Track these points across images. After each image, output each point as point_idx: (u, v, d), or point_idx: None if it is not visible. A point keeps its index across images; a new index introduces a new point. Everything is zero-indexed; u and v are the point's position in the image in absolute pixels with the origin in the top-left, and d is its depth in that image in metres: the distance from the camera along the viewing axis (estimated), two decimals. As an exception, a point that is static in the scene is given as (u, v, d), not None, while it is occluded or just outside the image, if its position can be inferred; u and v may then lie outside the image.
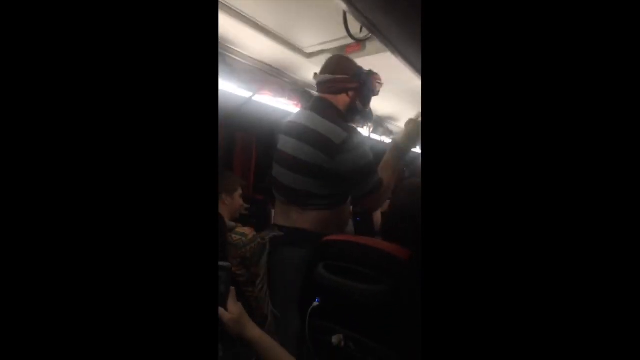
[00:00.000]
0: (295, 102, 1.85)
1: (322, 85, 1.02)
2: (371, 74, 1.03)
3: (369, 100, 1.04)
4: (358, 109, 1.01)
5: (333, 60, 1.07)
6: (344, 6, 0.77)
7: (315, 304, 0.74)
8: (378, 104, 2.33)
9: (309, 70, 1.72)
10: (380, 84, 1.04)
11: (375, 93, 1.04)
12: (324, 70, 1.06)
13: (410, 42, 0.90)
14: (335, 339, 0.70)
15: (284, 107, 1.81)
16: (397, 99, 2.16)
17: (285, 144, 0.98)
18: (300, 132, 0.95)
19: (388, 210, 0.83)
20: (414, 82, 1.56)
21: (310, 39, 1.42)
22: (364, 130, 2.43)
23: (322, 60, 1.55)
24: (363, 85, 0.99)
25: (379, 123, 2.68)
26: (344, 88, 0.99)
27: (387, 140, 2.76)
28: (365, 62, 1.55)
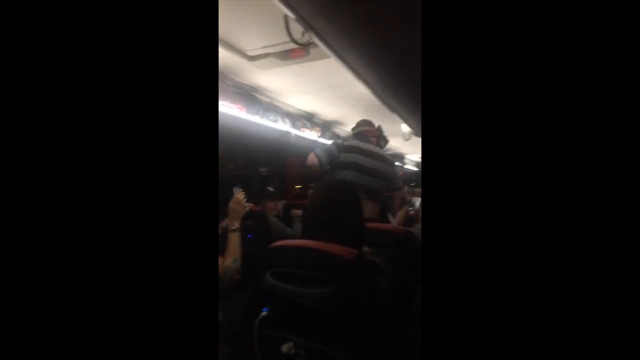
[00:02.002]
0: (239, 106, 1.80)
1: (362, 132, 1.75)
2: (381, 130, 1.80)
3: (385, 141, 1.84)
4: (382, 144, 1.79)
5: (364, 121, 1.80)
6: (285, 11, 0.77)
7: (264, 313, 0.72)
8: (324, 109, 2.37)
9: (253, 74, 1.69)
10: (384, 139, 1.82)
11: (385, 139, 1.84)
12: (361, 125, 1.80)
13: (352, 49, 0.93)
14: (285, 348, 0.69)
15: (228, 110, 1.75)
16: (342, 104, 2.23)
17: (355, 158, 1.57)
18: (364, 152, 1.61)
19: (307, 209, 0.85)
20: (358, 87, 1.62)
21: (254, 42, 1.40)
22: (312, 134, 2.46)
23: (266, 63, 1.53)
24: (380, 136, 1.79)
25: (326, 127, 2.73)
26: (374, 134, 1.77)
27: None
28: (310, 67, 1.57)
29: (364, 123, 1.77)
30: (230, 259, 1.26)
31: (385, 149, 1.79)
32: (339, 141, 1.66)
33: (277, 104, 2.13)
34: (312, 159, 1.57)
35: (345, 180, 0.86)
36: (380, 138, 1.76)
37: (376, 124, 1.80)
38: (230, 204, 1.37)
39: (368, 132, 1.71)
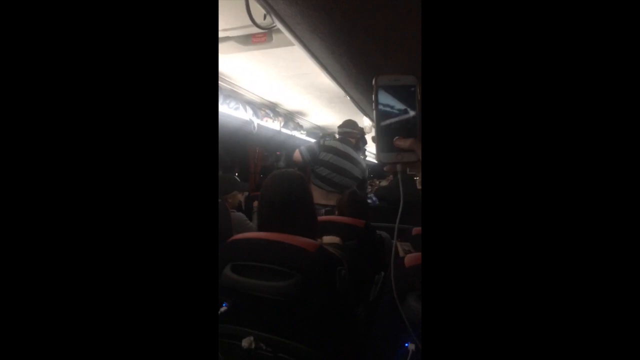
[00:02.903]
0: (197, 92, 1.71)
1: (345, 133, 2.12)
2: (363, 132, 2.15)
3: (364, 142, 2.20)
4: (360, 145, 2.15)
5: (349, 122, 2.15)
6: (245, -10, 0.73)
7: (223, 308, 0.69)
8: (287, 99, 2.33)
9: (220, 61, 1.61)
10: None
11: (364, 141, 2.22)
12: (345, 126, 2.16)
13: (314, 35, 0.91)
14: (245, 342, 0.67)
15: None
16: (306, 94, 2.20)
17: (332, 158, 1.96)
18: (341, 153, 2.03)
19: (260, 202, 0.85)
20: (322, 77, 1.61)
21: (213, 24, 1.32)
22: (275, 125, 2.41)
23: (226, 47, 1.46)
24: (361, 137, 2.14)
25: (290, 118, 2.69)
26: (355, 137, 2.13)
27: (297, 134, 2.79)
28: (272, 53, 1.52)
29: (347, 124, 2.07)
30: None
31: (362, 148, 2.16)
32: (322, 140, 2.01)
33: (238, 91, 2.05)
34: (297, 155, 2.00)
35: (293, 171, 0.86)
36: (360, 140, 2.08)
37: (338, 117, 1.87)
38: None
39: (349, 135, 2.02)
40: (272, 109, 2.44)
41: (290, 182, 0.82)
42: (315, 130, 3.24)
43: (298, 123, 2.86)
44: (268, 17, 0.83)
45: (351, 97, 1.53)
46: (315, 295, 0.63)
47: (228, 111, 1.95)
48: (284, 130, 2.50)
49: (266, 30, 1.22)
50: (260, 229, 0.79)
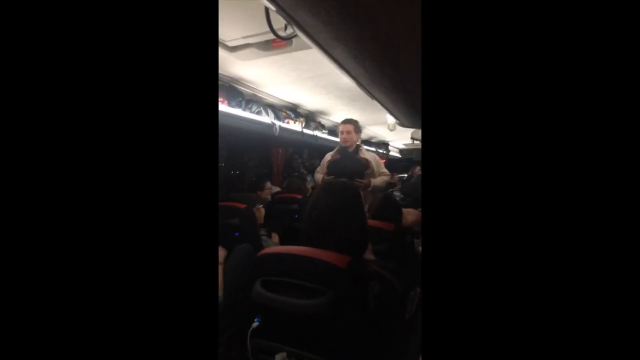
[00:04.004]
0: (221, 99, 1.74)
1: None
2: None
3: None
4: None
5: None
6: (266, 3, 0.72)
7: (255, 324, 0.70)
8: (308, 99, 2.32)
9: (234, 65, 1.62)
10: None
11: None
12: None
13: (336, 41, 0.89)
14: (278, 358, 0.68)
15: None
16: (326, 94, 2.18)
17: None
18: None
19: (307, 214, 0.81)
20: (342, 77, 1.58)
21: (234, 32, 1.33)
22: (297, 126, 2.41)
23: (247, 54, 1.47)
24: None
25: (311, 118, 2.69)
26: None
27: (319, 133, 2.78)
28: (292, 57, 1.52)
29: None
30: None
31: (371, 136, 2.32)
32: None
33: (259, 95, 2.07)
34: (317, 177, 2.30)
35: (347, 182, 0.81)
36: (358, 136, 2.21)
37: (361, 115, 1.85)
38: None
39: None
40: (293, 110, 2.45)
41: (344, 193, 0.77)
42: (337, 129, 3.21)
43: (320, 122, 2.85)
44: (288, 27, 0.83)
45: (375, 98, 1.51)
46: (347, 314, 0.63)
47: (250, 116, 1.97)
48: (306, 131, 2.50)
49: (286, 39, 1.21)
50: (305, 241, 0.76)
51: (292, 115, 2.38)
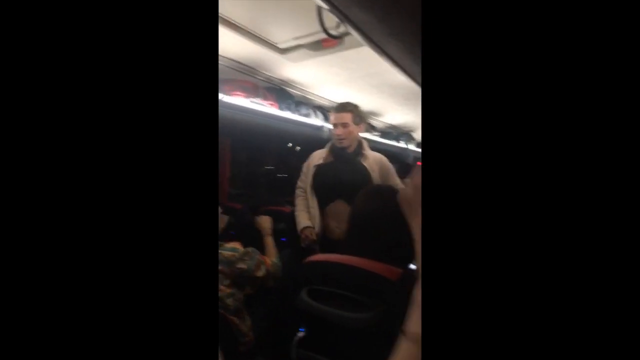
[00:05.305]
0: (270, 102, 1.79)
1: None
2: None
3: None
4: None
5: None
6: (318, 1, 0.72)
7: (301, 333, 0.70)
8: (360, 100, 2.29)
9: (284, 67, 1.66)
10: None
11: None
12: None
13: (390, 37, 0.86)
14: (324, 371, 0.66)
15: (259, 108, 1.74)
16: (379, 93, 2.14)
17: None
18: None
19: (349, 220, 0.78)
20: (395, 75, 1.54)
21: (284, 34, 1.36)
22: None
23: (297, 55, 1.49)
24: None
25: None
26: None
27: (370, 136, 2.73)
28: (342, 56, 1.51)
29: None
30: (273, 257, 1.36)
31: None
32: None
33: (309, 96, 2.09)
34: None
35: (387, 187, 0.79)
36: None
37: (416, 115, 1.74)
38: (259, 221, 1.54)
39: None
40: (343, 111, 2.44)
41: (384, 200, 0.74)
42: (389, 130, 3.14)
43: (370, 124, 2.80)
44: (341, 25, 0.82)
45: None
46: (398, 330, 0.59)
47: (300, 118, 1.99)
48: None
49: (338, 38, 1.21)
50: (348, 249, 0.75)
51: (342, 117, 2.37)
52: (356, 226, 0.76)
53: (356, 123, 1.61)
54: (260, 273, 1.27)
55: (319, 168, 1.64)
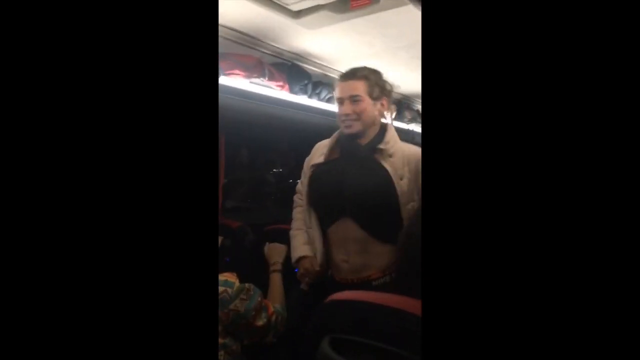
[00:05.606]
0: (279, 83, 1.81)
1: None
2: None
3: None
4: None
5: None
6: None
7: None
8: (400, 79, 2.29)
9: (298, 36, 1.68)
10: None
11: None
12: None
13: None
14: None
15: (264, 91, 1.76)
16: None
17: None
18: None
19: (404, 243, 0.78)
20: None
21: (297, -8, 1.38)
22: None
23: (315, 20, 1.51)
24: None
25: (405, 105, 2.64)
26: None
27: (417, 127, 2.72)
28: (377, 20, 1.51)
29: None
30: (278, 303, 1.29)
31: None
32: None
33: (332, 75, 2.10)
34: None
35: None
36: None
37: None
38: (269, 250, 1.48)
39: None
40: (378, 94, 2.44)
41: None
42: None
43: (418, 111, 2.79)
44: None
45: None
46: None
47: (318, 105, 2.01)
48: (398, 124, 2.47)
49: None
50: (397, 287, 0.74)
51: (378, 102, 2.38)
52: (411, 259, 0.75)
53: (374, 97, 1.36)
54: (260, 322, 1.19)
55: (318, 169, 1.44)
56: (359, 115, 1.33)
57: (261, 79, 1.72)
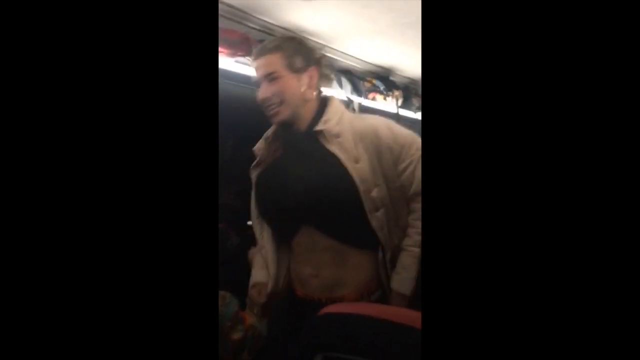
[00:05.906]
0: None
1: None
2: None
3: None
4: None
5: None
6: None
7: None
8: (409, 61, 2.29)
9: (291, 7, 1.67)
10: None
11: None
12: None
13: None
14: None
15: (251, 71, 1.75)
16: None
17: None
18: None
19: None
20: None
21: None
22: (389, 103, 2.41)
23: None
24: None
25: (413, 91, 2.65)
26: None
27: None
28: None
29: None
30: (253, 316, 1.27)
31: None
32: None
33: (331, 55, 2.11)
34: None
35: None
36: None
37: None
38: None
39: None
40: (383, 78, 2.44)
41: None
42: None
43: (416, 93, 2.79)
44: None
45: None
46: None
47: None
48: (405, 113, 2.47)
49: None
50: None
51: (381, 87, 2.38)
52: None
53: (296, 70, 1.21)
54: (235, 335, 1.17)
55: (260, 175, 1.34)
56: (281, 97, 1.20)
57: (247, 57, 1.71)
